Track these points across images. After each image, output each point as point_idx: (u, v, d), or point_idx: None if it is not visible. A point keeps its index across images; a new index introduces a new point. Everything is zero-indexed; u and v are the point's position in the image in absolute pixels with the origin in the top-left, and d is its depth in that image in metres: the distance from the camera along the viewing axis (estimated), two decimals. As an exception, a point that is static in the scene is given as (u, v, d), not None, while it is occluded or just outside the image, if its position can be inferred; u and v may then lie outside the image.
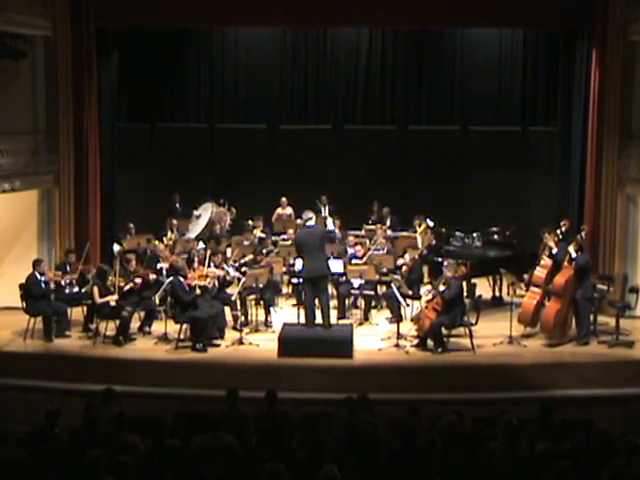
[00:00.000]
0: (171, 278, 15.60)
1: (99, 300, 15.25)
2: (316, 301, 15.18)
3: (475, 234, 18.52)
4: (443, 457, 8.60)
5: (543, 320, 15.56)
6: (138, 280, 15.68)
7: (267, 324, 16.36)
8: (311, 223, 15.30)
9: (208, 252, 16.62)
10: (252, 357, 14.81)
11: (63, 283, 15.77)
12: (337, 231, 19.10)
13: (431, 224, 18.97)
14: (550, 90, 20.90)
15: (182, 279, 15.14)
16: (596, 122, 17.71)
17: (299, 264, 15.62)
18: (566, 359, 14.90)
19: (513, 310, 15.60)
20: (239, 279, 16.31)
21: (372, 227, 19.22)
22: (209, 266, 16.00)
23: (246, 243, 18.16)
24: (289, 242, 18.30)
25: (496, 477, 8.38)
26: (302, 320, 15.38)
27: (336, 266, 16.40)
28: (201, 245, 18.17)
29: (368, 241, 18.16)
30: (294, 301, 17.22)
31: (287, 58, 21.95)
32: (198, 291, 15.22)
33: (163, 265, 16.75)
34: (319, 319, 15.13)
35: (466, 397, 13.80)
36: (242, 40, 21.81)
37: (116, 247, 18.23)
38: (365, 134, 22.14)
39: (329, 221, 15.36)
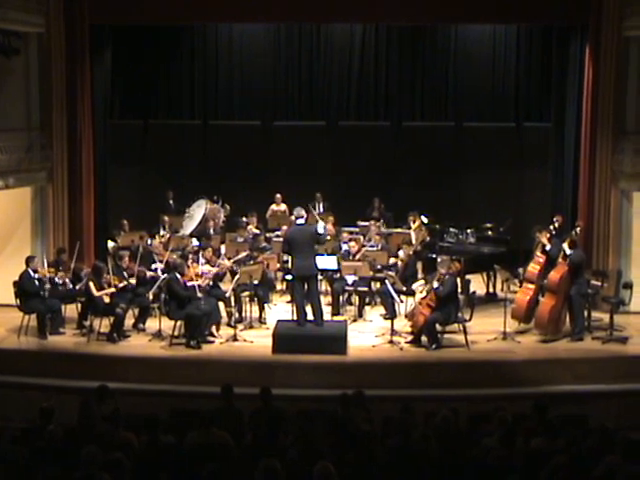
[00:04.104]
0: (165, 275, 15.62)
1: (97, 293, 15.23)
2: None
3: (469, 230, 18.56)
4: (438, 454, 8.60)
5: (537, 316, 15.57)
6: (133, 280, 15.67)
7: (261, 321, 16.37)
8: (302, 221, 15.30)
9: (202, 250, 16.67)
10: (246, 354, 14.81)
11: (57, 280, 15.74)
12: (330, 227, 19.06)
13: (425, 220, 18.98)
14: (544, 86, 20.92)
15: (179, 276, 15.13)
16: (590, 118, 17.72)
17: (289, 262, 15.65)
18: (560, 355, 14.94)
19: (507, 306, 15.60)
20: (231, 270, 16.37)
21: (366, 223, 19.23)
22: (199, 262, 16.01)
23: (240, 240, 18.15)
24: (282, 239, 18.31)
25: (491, 473, 8.39)
26: (295, 317, 15.37)
27: (329, 262, 16.42)
28: (195, 242, 18.18)
29: (362, 237, 18.17)
30: (288, 298, 17.21)
31: (281, 55, 21.93)
32: (199, 293, 15.19)
33: (158, 262, 16.71)
34: (310, 316, 15.15)
35: (460, 393, 13.80)
36: (236, 37, 21.80)
37: (110, 244, 18.23)
38: (359, 130, 22.15)
39: (320, 223, 15.39)
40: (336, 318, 16.31)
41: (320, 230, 15.08)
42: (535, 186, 21.25)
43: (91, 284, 15.31)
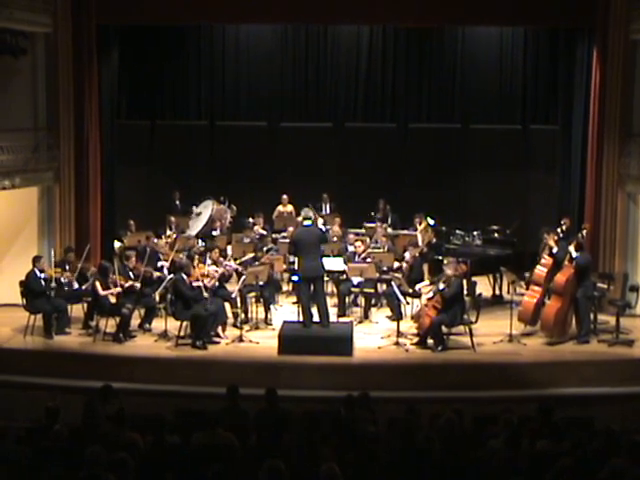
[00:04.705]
0: (172, 275, 15.62)
1: (102, 292, 15.24)
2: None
3: (475, 232, 18.55)
4: (443, 455, 8.59)
5: (543, 319, 15.56)
6: (137, 285, 15.66)
7: (267, 322, 16.37)
8: (309, 223, 15.32)
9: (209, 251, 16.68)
10: (252, 354, 14.82)
11: (63, 280, 15.77)
12: (336, 228, 19.10)
13: (432, 222, 18.98)
14: (551, 88, 20.91)
15: (185, 276, 15.13)
16: (597, 120, 17.72)
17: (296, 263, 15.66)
18: (566, 358, 14.92)
19: (513, 308, 15.59)
20: (237, 270, 16.38)
21: (372, 225, 19.23)
22: (206, 263, 16.02)
23: (246, 240, 18.16)
24: (289, 240, 18.30)
25: (497, 475, 8.38)
26: (301, 319, 15.37)
27: (336, 264, 16.42)
28: (201, 243, 18.19)
29: (368, 239, 18.17)
30: (294, 299, 17.21)
31: (288, 56, 21.94)
32: (205, 293, 15.23)
33: (164, 262, 16.77)
34: (316, 318, 15.17)
35: (466, 395, 13.79)
36: (243, 37, 21.81)
37: (117, 244, 18.25)
38: (365, 132, 22.13)
39: (319, 221, 15.53)
40: (342, 319, 16.32)
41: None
42: (541, 188, 21.23)
43: (97, 284, 15.33)
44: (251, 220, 19.41)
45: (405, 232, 19.26)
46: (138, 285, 15.67)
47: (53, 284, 15.52)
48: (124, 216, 19.32)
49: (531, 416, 10.36)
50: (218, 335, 15.40)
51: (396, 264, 16.87)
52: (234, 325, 15.87)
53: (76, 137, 18.09)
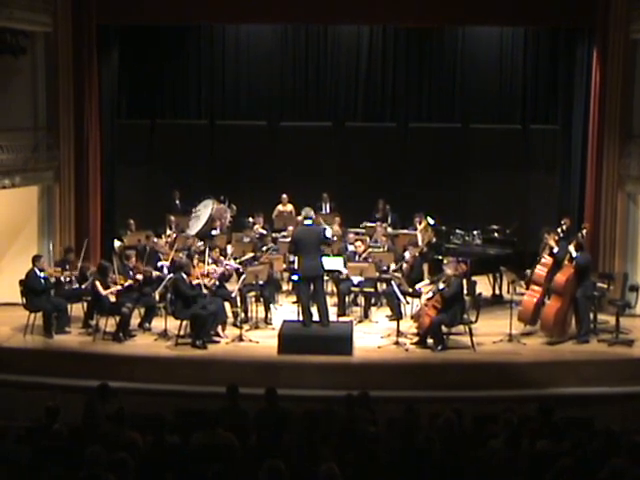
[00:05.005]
0: (171, 275, 15.62)
1: (104, 292, 15.23)
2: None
3: (475, 232, 18.55)
4: (443, 455, 8.59)
5: (543, 318, 15.56)
6: (139, 276, 15.73)
7: (267, 321, 16.36)
8: (309, 222, 15.33)
9: (207, 249, 16.67)
10: (252, 354, 14.81)
11: (63, 279, 15.77)
12: (336, 228, 19.11)
13: (432, 222, 18.98)
14: (551, 88, 20.93)
15: (185, 276, 15.13)
16: (597, 121, 17.72)
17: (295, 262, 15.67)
18: (566, 357, 14.91)
19: (513, 308, 15.59)
20: (238, 270, 16.38)
21: (372, 224, 19.24)
22: (206, 262, 16.02)
23: (246, 240, 18.16)
24: (289, 239, 18.30)
25: (497, 475, 8.38)
26: (301, 318, 15.37)
27: (336, 263, 16.41)
28: (201, 242, 18.19)
29: (368, 238, 18.17)
30: (294, 298, 17.21)
31: (288, 55, 21.96)
32: (205, 290, 15.26)
33: (164, 262, 16.78)
34: (316, 317, 15.17)
35: (466, 395, 13.78)
36: (243, 37, 21.83)
37: (116, 243, 18.26)
38: (366, 131, 22.14)
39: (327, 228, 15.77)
40: (342, 319, 16.31)
41: (328, 234, 15.21)
42: (541, 188, 21.25)
43: (97, 283, 15.32)
44: (251, 220, 19.43)
45: (405, 232, 19.28)
46: (140, 277, 15.69)
47: (52, 283, 15.52)
48: (124, 216, 19.34)
49: (531, 416, 10.35)
50: (218, 334, 15.40)
51: (393, 266, 16.85)
52: (234, 324, 15.87)
53: (76, 137, 18.10)
